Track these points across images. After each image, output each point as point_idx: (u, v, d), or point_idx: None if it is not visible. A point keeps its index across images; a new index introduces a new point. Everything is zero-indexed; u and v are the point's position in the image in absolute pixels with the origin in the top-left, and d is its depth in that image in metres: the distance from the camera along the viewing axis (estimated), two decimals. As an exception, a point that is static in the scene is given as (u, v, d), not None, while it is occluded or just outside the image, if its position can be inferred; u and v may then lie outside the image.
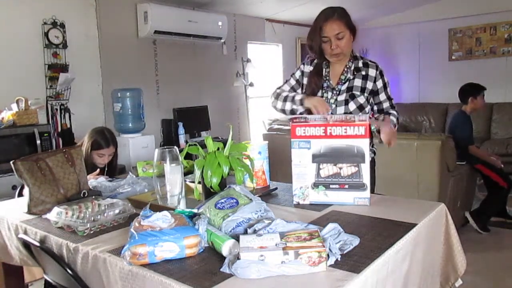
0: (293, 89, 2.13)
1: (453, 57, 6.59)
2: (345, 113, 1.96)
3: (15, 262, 1.67)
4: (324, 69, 2.03)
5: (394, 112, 2.03)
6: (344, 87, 1.98)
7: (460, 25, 6.45)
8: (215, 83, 5.49)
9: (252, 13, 5.79)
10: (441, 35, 6.60)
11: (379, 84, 1.98)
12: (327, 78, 2.02)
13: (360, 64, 1.99)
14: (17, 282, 1.90)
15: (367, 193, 1.51)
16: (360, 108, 1.97)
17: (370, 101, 2.01)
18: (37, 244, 1.42)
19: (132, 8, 4.49)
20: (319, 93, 2.01)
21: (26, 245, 1.53)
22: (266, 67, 6.37)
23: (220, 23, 5.11)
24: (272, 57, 6.47)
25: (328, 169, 1.51)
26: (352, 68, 1.99)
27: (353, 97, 1.96)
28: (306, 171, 1.53)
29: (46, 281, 1.60)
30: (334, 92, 1.99)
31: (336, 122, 1.50)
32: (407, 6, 6.50)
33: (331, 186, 1.52)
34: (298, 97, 1.99)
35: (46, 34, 3.74)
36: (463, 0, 6.28)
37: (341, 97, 1.97)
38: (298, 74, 2.12)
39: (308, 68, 2.08)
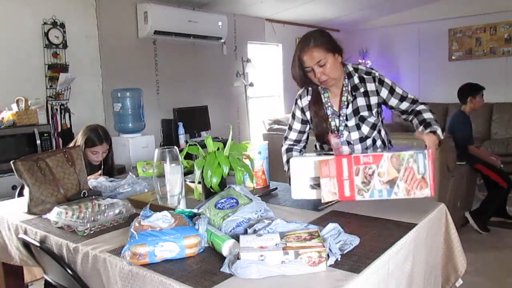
0: (302, 133, 1.99)
1: (453, 57, 6.59)
2: (360, 137, 1.86)
3: (15, 262, 1.67)
4: (322, 94, 1.89)
5: (423, 107, 1.81)
6: (349, 110, 1.84)
7: (460, 25, 6.45)
8: (215, 83, 5.49)
9: (252, 13, 5.79)
10: (441, 35, 6.60)
11: (384, 93, 1.83)
12: (329, 104, 1.88)
13: (357, 81, 1.83)
14: (17, 282, 1.90)
15: None
16: (373, 127, 1.87)
17: (381, 110, 1.91)
18: (37, 244, 1.41)
19: (132, 8, 4.49)
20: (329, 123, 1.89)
21: (26, 245, 1.53)
22: (266, 67, 6.36)
23: (220, 23, 5.11)
24: (272, 57, 6.47)
25: None
26: (349, 88, 1.83)
27: (363, 119, 1.84)
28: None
29: (46, 281, 1.60)
30: (341, 118, 1.86)
31: None
32: (407, 6, 6.50)
33: None
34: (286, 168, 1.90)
35: (46, 34, 3.74)
36: (463, 0, 6.28)
37: (351, 122, 1.85)
38: (298, 113, 1.96)
39: (306, 100, 1.92)
